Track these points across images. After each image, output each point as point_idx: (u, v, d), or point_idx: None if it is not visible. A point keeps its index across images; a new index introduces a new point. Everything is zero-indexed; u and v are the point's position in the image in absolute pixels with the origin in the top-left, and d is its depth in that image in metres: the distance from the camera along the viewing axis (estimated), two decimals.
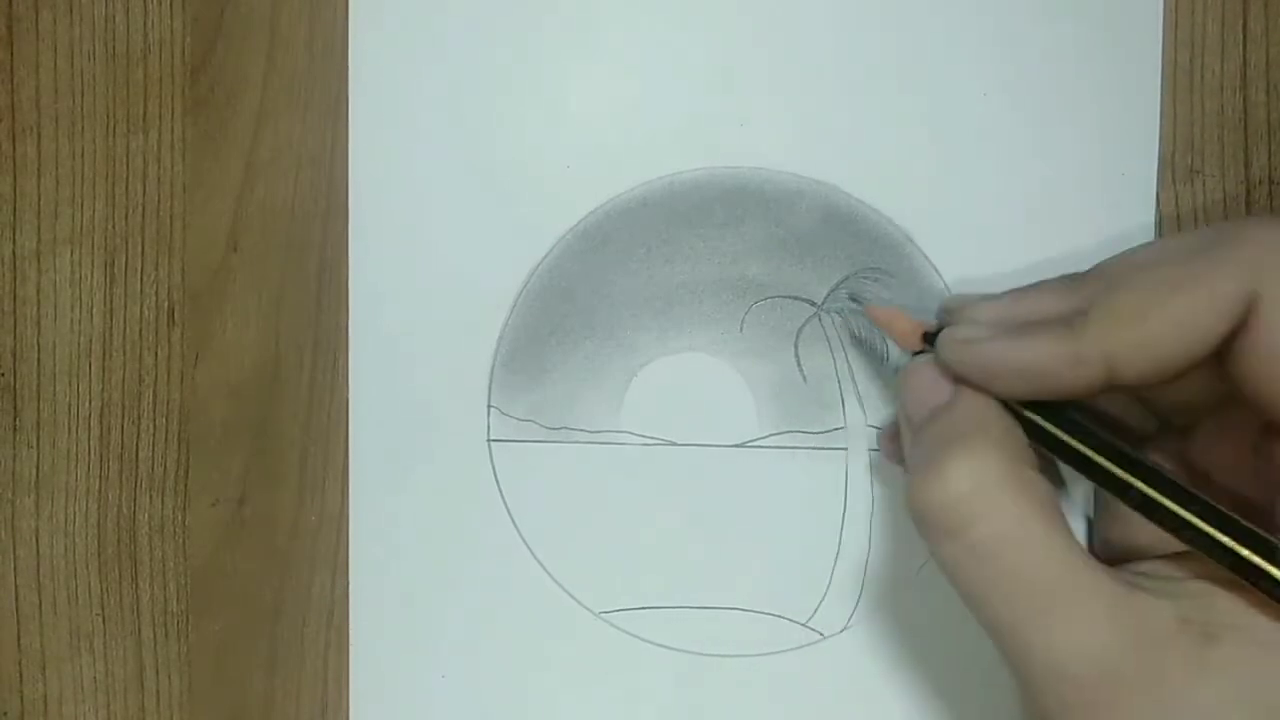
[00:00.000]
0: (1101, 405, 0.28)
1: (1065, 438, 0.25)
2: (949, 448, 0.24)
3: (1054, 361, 0.24)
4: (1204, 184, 0.31)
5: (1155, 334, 0.23)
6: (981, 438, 0.24)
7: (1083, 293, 0.25)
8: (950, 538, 0.24)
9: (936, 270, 0.31)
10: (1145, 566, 0.25)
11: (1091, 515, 0.30)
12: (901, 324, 0.28)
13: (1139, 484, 0.24)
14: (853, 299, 0.31)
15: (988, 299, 0.27)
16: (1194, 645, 0.23)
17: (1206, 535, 0.23)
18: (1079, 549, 0.24)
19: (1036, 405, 0.25)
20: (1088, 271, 0.26)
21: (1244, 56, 0.31)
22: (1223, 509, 0.23)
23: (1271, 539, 0.23)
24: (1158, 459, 0.28)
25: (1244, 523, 0.23)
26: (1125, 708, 0.23)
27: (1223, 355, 0.24)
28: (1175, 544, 0.24)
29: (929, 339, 0.27)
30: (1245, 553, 0.23)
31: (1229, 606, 0.23)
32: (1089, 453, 0.25)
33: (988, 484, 0.24)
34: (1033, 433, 0.25)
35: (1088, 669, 0.23)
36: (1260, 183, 0.31)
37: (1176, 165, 0.31)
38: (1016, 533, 0.23)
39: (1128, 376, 0.24)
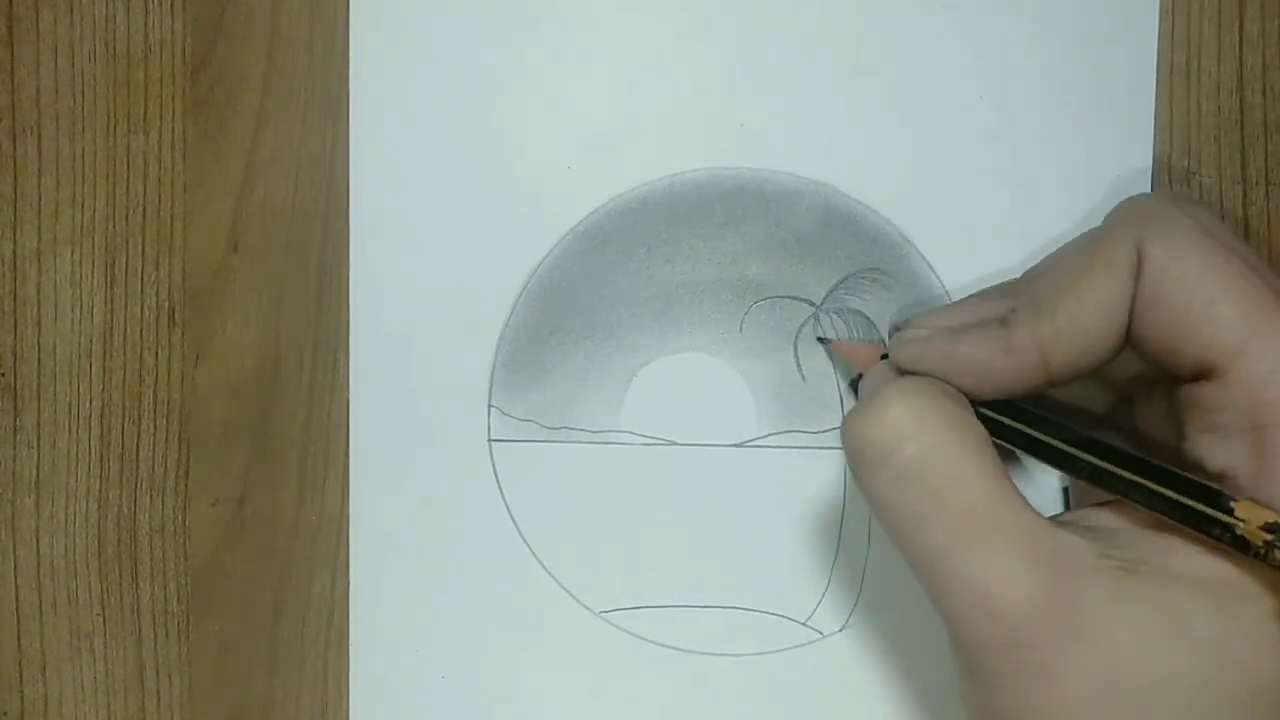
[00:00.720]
0: (1057, 396, 0.29)
1: (1012, 424, 0.26)
2: (885, 389, 0.26)
3: (990, 354, 0.26)
4: (1200, 185, 0.31)
5: (1072, 314, 0.25)
6: (914, 384, 0.26)
7: (1014, 295, 0.27)
8: (880, 463, 0.25)
9: (934, 270, 0.31)
10: (1071, 515, 0.26)
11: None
12: (863, 352, 0.30)
13: (1086, 457, 0.25)
14: (820, 340, 0.32)
15: (934, 310, 0.29)
16: (1111, 578, 0.24)
17: (1154, 492, 0.24)
18: (1008, 483, 0.25)
19: (990, 405, 0.27)
20: (1020, 276, 0.28)
21: (1240, 58, 0.31)
22: (1168, 466, 0.24)
23: (1212, 484, 0.24)
24: (1110, 434, 0.29)
25: (1186, 475, 0.24)
26: (1045, 639, 0.23)
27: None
28: None
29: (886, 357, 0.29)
30: (1190, 502, 0.24)
31: (1147, 544, 0.24)
32: (1037, 434, 0.26)
33: (920, 411, 0.25)
34: (990, 430, 0.26)
35: (1009, 598, 0.23)
36: (1256, 184, 0.31)
37: (1173, 167, 0.31)
38: (944, 454, 0.25)
39: (1060, 362, 0.25)
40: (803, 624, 0.32)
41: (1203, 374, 0.25)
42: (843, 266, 0.31)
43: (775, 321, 0.32)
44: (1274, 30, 0.31)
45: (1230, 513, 0.23)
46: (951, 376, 0.26)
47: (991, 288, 0.29)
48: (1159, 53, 0.31)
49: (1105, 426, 0.30)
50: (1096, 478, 0.25)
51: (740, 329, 0.32)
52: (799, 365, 0.32)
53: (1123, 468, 0.25)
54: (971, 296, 0.29)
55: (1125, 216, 0.26)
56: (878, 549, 0.32)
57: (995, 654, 0.24)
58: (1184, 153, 0.31)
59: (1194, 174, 0.31)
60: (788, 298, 0.32)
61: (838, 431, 0.32)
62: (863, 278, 0.31)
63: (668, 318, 0.32)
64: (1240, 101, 0.31)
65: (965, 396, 0.26)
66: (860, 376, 0.30)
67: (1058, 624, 0.23)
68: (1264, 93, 0.31)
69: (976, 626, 0.24)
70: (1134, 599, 0.24)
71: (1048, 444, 0.26)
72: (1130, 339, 0.25)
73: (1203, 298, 0.24)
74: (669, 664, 0.32)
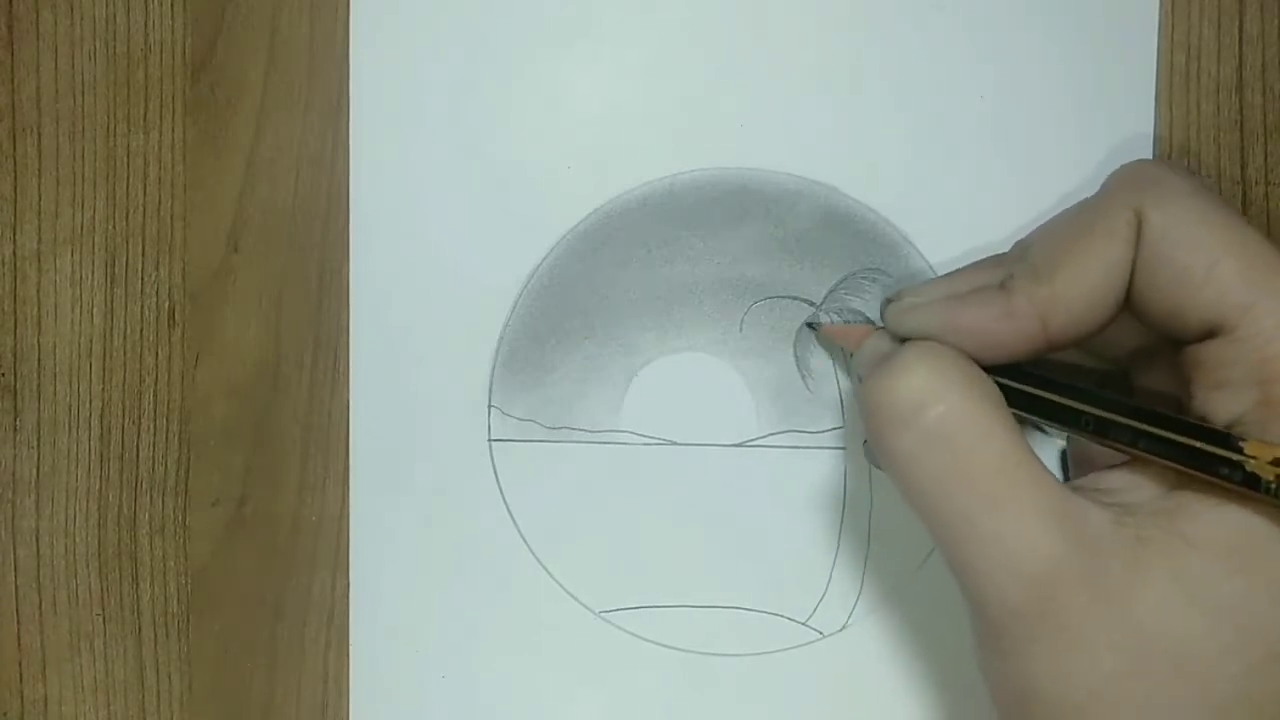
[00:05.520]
0: (1051, 364, 0.29)
1: (1015, 384, 0.26)
2: (905, 350, 0.26)
3: (989, 319, 0.26)
4: None
5: (1070, 278, 0.25)
6: (933, 345, 0.26)
7: (1008, 263, 0.27)
8: (905, 425, 0.25)
9: (934, 271, 0.31)
10: (1078, 483, 0.26)
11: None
12: (853, 331, 0.30)
13: (1090, 409, 0.25)
14: (810, 325, 0.32)
15: (927, 281, 0.29)
16: (1129, 544, 0.24)
17: (1162, 438, 0.24)
18: (1027, 447, 0.25)
19: (991, 369, 0.27)
20: (1012, 246, 0.28)
21: (1240, 58, 0.31)
22: (1173, 414, 0.25)
23: (1219, 428, 0.24)
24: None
25: (1192, 420, 0.24)
26: (1074, 603, 0.23)
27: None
28: None
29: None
30: (1199, 444, 0.24)
31: (1158, 509, 0.24)
32: (1040, 393, 0.26)
33: (944, 370, 0.25)
34: None
35: (1039, 560, 0.24)
36: (1256, 184, 0.31)
37: None
38: (970, 418, 0.25)
39: (1059, 326, 0.25)
40: (803, 624, 0.32)
41: (1208, 333, 0.25)
42: (843, 266, 0.31)
43: (775, 321, 0.32)
44: (1274, 30, 0.31)
45: (1239, 451, 0.23)
46: (951, 343, 0.26)
47: (983, 259, 0.29)
48: (1159, 53, 0.31)
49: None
50: (1103, 430, 0.25)
51: (740, 329, 0.32)
52: (799, 365, 0.32)
53: (1130, 417, 0.25)
54: (964, 268, 0.29)
55: (1122, 181, 0.26)
56: (878, 549, 0.32)
57: (1023, 620, 0.24)
58: (1184, 153, 0.31)
59: (1194, 174, 0.31)
60: (788, 298, 0.32)
61: (838, 431, 0.32)
62: (863, 278, 0.31)
63: (668, 318, 0.32)
64: (1240, 101, 0.31)
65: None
66: (853, 356, 0.30)
67: (1086, 589, 0.23)
68: (1264, 93, 0.31)
69: (1004, 591, 0.24)
70: (1152, 565, 0.23)
71: (1053, 401, 0.26)
72: (1131, 303, 0.25)
73: (1206, 257, 0.24)
74: (669, 664, 0.32)
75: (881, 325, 0.29)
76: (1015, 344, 0.26)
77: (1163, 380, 0.28)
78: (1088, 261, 0.25)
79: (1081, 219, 0.26)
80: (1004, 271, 0.26)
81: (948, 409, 0.25)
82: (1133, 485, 0.25)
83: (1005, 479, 0.24)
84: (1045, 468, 0.25)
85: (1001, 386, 0.26)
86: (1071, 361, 0.30)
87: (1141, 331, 0.27)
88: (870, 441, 0.26)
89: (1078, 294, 0.25)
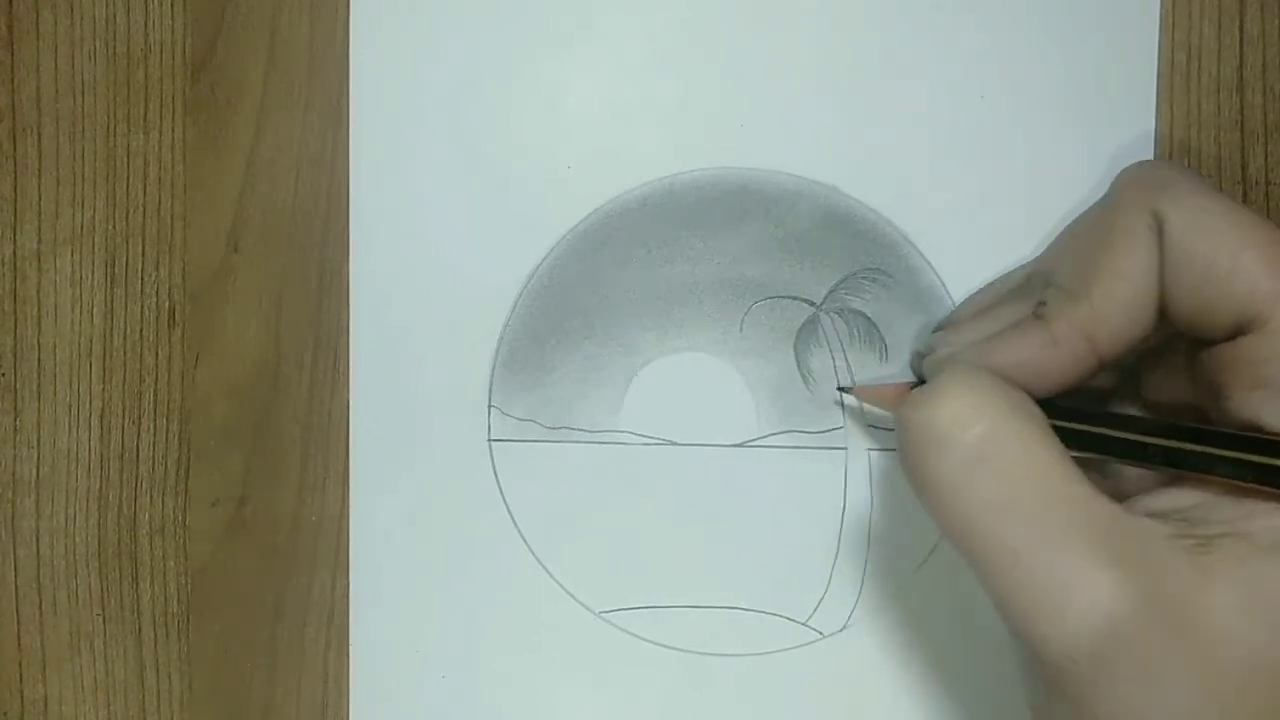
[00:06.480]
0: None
1: (1070, 425, 0.25)
2: (943, 376, 0.25)
3: (1034, 352, 0.25)
4: None
5: (1106, 292, 0.25)
6: (973, 367, 0.25)
7: (1034, 292, 0.26)
8: (945, 447, 0.23)
9: (934, 270, 0.31)
10: (1133, 502, 0.25)
11: None
12: (889, 392, 0.29)
13: (1157, 440, 0.25)
14: (841, 389, 0.31)
15: (953, 325, 0.29)
16: (1190, 558, 0.22)
17: (1240, 461, 0.23)
18: (1075, 467, 0.23)
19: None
20: (1028, 275, 0.28)
21: (1241, 58, 0.31)
22: (1242, 432, 0.24)
23: None
24: (1124, 409, 0.29)
25: (1264, 436, 0.23)
26: (1140, 638, 0.22)
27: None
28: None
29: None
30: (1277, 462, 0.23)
31: (1223, 514, 0.23)
32: (1100, 430, 0.25)
33: (985, 392, 0.24)
34: None
35: (1100, 597, 0.22)
36: (1257, 184, 0.31)
37: None
38: (1015, 437, 0.23)
39: (1107, 342, 0.25)
40: (803, 624, 0.32)
41: (1240, 329, 0.24)
42: (843, 266, 0.31)
43: (775, 321, 0.32)
44: (1274, 30, 0.31)
45: None
46: None
47: (998, 293, 0.29)
48: (1159, 53, 0.31)
49: (1113, 404, 0.29)
50: (1174, 461, 0.24)
51: (740, 329, 0.32)
52: (799, 365, 0.32)
53: (1198, 443, 0.24)
54: (984, 308, 0.28)
55: (1132, 184, 0.26)
56: (878, 549, 0.32)
57: (1087, 661, 0.22)
58: (1184, 152, 0.31)
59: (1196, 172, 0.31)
60: (788, 298, 0.32)
61: (838, 431, 0.32)
62: (863, 278, 0.31)
63: (668, 318, 0.32)
64: (1241, 102, 0.31)
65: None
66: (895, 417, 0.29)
67: (1150, 620, 0.22)
68: (1264, 93, 0.31)
69: (1064, 632, 0.22)
70: (1217, 576, 0.22)
71: (1116, 438, 0.25)
72: (1161, 306, 0.25)
73: (1229, 250, 0.24)
74: (669, 664, 0.32)
75: (912, 382, 0.29)
76: (1064, 371, 0.25)
77: (1170, 381, 0.27)
78: (1119, 272, 0.25)
79: (1099, 230, 0.26)
80: (1031, 301, 0.26)
81: (989, 428, 0.23)
82: (1189, 500, 0.24)
83: (1055, 504, 0.23)
84: (1094, 488, 0.23)
85: (1056, 429, 0.25)
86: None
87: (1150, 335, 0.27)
88: (908, 473, 0.25)
89: (1117, 307, 0.25)
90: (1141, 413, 0.28)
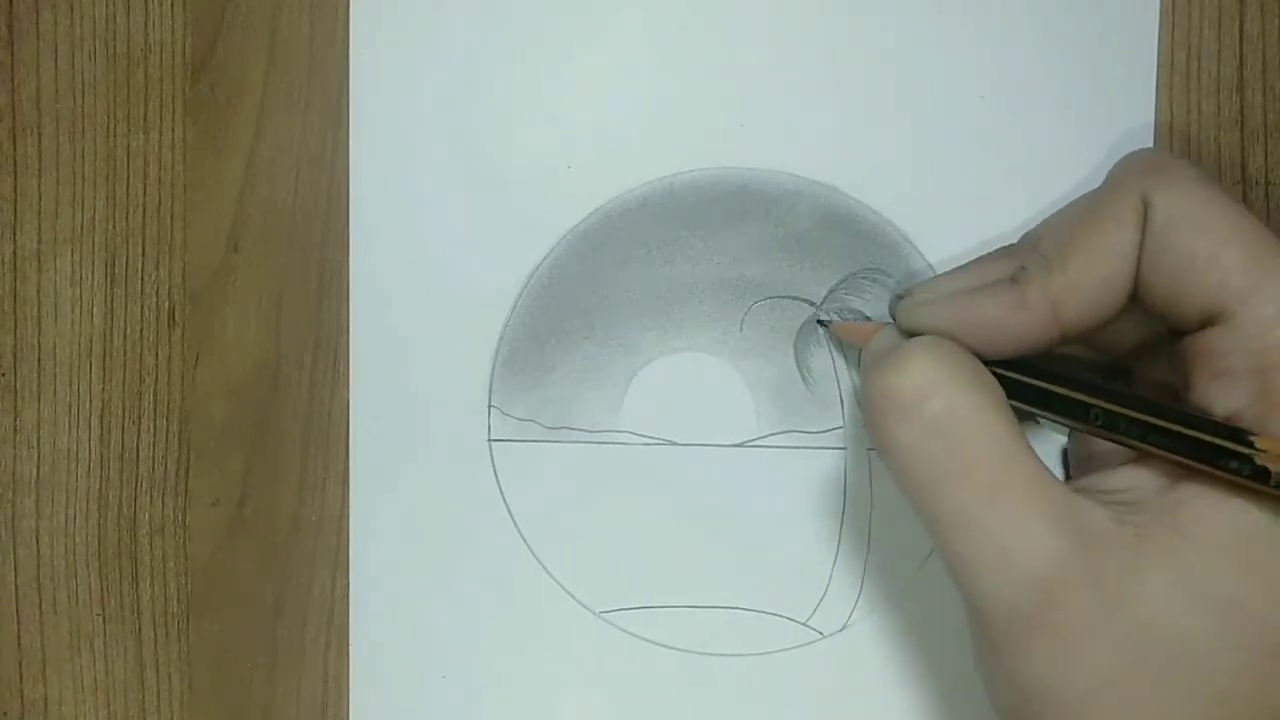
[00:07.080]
0: (1053, 359, 0.29)
1: (1023, 378, 0.26)
2: (909, 344, 0.26)
3: (1003, 312, 0.26)
4: None
5: (1082, 266, 0.25)
6: (938, 339, 0.26)
7: (1018, 256, 0.27)
8: (905, 416, 0.25)
9: (934, 270, 0.31)
10: (1078, 483, 0.26)
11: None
12: (866, 330, 0.30)
13: (1098, 402, 0.25)
14: (820, 323, 0.31)
15: (935, 277, 0.29)
16: (1129, 543, 0.24)
17: (1170, 432, 0.24)
18: (1027, 445, 0.25)
19: (998, 363, 0.27)
20: (1020, 239, 0.28)
21: (1241, 58, 0.31)
22: (1181, 408, 0.25)
23: (1227, 423, 0.24)
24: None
25: (1201, 415, 0.24)
26: (1073, 603, 0.23)
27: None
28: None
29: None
30: (1209, 437, 0.24)
31: (1158, 505, 0.24)
32: (1048, 386, 0.26)
33: (948, 363, 0.25)
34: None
35: (1038, 559, 0.23)
36: (1256, 184, 0.31)
37: None
38: (972, 411, 0.25)
39: (1073, 316, 0.25)
40: (803, 624, 0.32)
41: (1209, 320, 0.25)
42: (843, 266, 0.31)
43: (775, 321, 0.32)
44: (1274, 30, 0.31)
45: (1250, 445, 0.23)
46: (963, 336, 0.26)
47: (992, 252, 0.29)
48: (1159, 53, 0.31)
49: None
50: (1111, 424, 0.25)
51: (740, 329, 0.32)
52: (799, 365, 0.32)
53: (1138, 411, 0.25)
54: (972, 262, 0.29)
55: (1129, 168, 0.26)
56: (878, 549, 0.32)
57: (1022, 619, 0.24)
58: (1184, 152, 0.31)
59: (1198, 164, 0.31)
60: (788, 298, 0.32)
61: (838, 432, 0.32)
62: (863, 278, 0.31)
63: (668, 318, 0.32)
64: (1240, 101, 0.31)
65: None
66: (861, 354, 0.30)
67: (1085, 587, 0.23)
68: (1264, 93, 0.31)
69: (1002, 589, 0.24)
70: (1152, 561, 0.23)
71: (1062, 394, 0.26)
72: (1136, 291, 0.25)
73: (1209, 243, 0.24)
74: (669, 664, 0.32)
75: (890, 322, 0.29)
76: (1028, 336, 0.26)
77: (1164, 374, 0.28)
78: (1098, 249, 0.25)
79: (1089, 207, 0.26)
80: (1014, 264, 0.26)
81: (948, 402, 0.25)
82: (1134, 483, 0.25)
83: (1004, 475, 0.24)
84: (1044, 466, 0.24)
85: (1009, 380, 0.26)
86: (1073, 355, 0.30)
87: (1144, 325, 0.27)
88: (871, 434, 0.26)
89: (1090, 282, 0.25)
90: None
